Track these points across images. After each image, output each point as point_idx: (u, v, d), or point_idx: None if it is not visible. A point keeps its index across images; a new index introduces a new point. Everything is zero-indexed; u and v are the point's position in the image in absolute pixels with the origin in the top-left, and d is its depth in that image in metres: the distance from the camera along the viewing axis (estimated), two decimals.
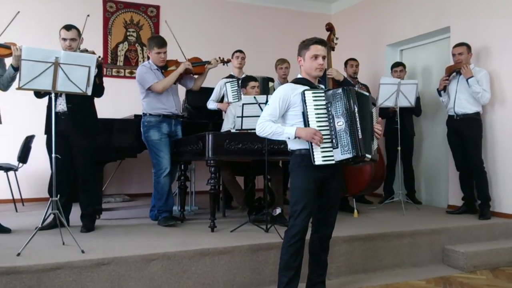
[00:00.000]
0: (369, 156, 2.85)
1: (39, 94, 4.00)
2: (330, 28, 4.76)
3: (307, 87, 2.90)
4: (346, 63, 6.00)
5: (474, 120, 4.94)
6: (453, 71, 5.03)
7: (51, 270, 2.94)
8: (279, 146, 3.96)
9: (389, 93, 5.29)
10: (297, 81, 3.00)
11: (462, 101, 4.95)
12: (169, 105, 4.56)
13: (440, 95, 5.21)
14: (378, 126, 3.02)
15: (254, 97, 4.21)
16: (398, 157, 5.59)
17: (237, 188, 4.82)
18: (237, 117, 4.46)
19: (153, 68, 4.53)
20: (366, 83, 5.91)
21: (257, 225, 4.07)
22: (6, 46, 3.78)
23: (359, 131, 2.79)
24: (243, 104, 4.23)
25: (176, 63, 4.73)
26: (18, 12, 3.80)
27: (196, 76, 4.85)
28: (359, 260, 3.89)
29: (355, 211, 4.95)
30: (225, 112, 5.20)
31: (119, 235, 3.91)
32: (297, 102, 2.87)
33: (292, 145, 2.95)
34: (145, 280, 3.17)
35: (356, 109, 2.81)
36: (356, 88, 2.96)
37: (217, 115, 5.38)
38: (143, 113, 4.55)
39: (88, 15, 4.04)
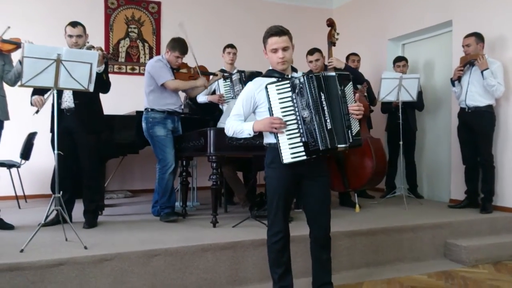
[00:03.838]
0: (342, 145, 2.66)
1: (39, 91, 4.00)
2: (331, 23, 4.75)
3: (273, 80, 2.70)
4: (347, 58, 6.00)
5: (486, 113, 4.85)
6: (468, 62, 4.88)
7: (54, 266, 2.95)
8: None
9: (391, 88, 5.28)
10: (267, 74, 2.82)
11: (473, 94, 4.87)
12: (175, 102, 4.59)
13: (453, 85, 5.12)
14: (355, 106, 2.70)
15: None
16: (400, 152, 5.59)
17: (239, 184, 4.82)
18: None
19: (168, 66, 4.55)
20: (368, 77, 5.88)
21: (259, 221, 4.07)
22: (12, 42, 3.80)
23: (328, 121, 2.63)
24: None
25: (187, 67, 4.77)
26: (8, 27, 3.77)
27: None
28: (361, 254, 3.90)
29: (357, 205, 4.94)
30: (222, 105, 5.21)
31: (122, 231, 3.92)
32: (263, 98, 2.70)
33: (266, 139, 2.81)
34: (148, 275, 3.19)
35: (323, 97, 2.64)
36: (322, 73, 2.70)
37: (218, 111, 5.37)
38: (147, 109, 4.54)
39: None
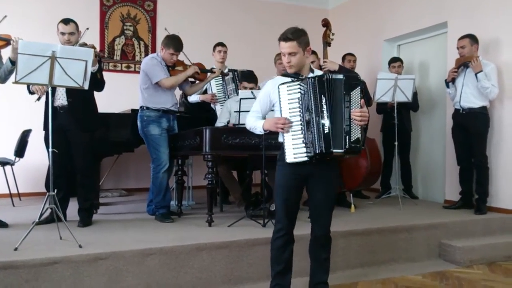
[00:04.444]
0: (338, 151, 2.64)
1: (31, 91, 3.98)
2: (326, 23, 4.75)
3: (288, 80, 2.76)
4: (343, 58, 6.00)
5: (480, 114, 4.87)
6: (462, 63, 4.90)
7: (48, 264, 2.93)
8: (276, 141, 3.93)
9: (386, 88, 5.29)
10: (284, 73, 2.88)
11: (468, 96, 4.88)
12: (170, 101, 4.55)
13: (447, 86, 5.13)
14: (357, 113, 2.63)
15: (252, 92, 4.20)
16: (396, 152, 5.60)
17: (234, 183, 4.81)
18: (234, 111, 4.47)
19: (162, 64, 4.52)
20: (364, 78, 5.87)
21: (254, 220, 4.07)
22: (2, 38, 3.75)
23: (326, 125, 2.63)
24: (240, 99, 4.23)
25: (183, 64, 4.76)
26: (5, 16, 3.76)
27: (197, 82, 4.90)
28: (356, 255, 3.90)
29: (352, 206, 4.95)
30: (214, 104, 5.19)
31: (117, 229, 3.91)
32: (277, 97, 2.77)
33: (279, 137, 2.86)
34: (143, 274, 3.17)
35: (324, 100, 2.64)
36: (328, 75, 2.70)
37: (214, 110, 5.36)
38: (141, 107, 4.51)
39: (87, 28, 4.04)
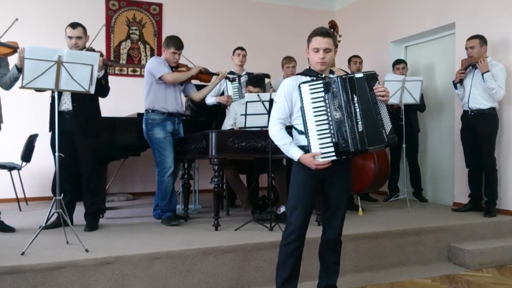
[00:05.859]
0: (373, 147, 2.67)
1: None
2: (333, 25, 4.73)
3: (307, 79, 2.74)
4: (349, 60, 5.97)
5: (489, 116, 4.82)
6: (470, 64, 4.86)
7: (55, 269, 2.93)
8: None
9: (394, 90, 5.24)
10: (304, 72, 2.84)
11: (476, 96, 4.84)
12: (175, 102, 4.55)
13: (455, 87, 5.08)
14: (380, 88, 2.69)
15: (258, 95, 4.18)
16: (403, 155, 5.55)
17: (241, 187, 4.79)
18: (241, 114, 4.44)
19: (166, 64, 4.55)
20: None
21: (261, 224, 4.05)
22: (9, 46, 3.77)
23: (359, 123, 2.64)
24: (246, 102, 4.21)
25: (186, 67, 4.77)
26: (16, 19, 3.77)
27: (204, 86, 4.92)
28: (364, 258, 3.87)
29: (360, 209, 4.92)
30: (228, 107, 5.18)
31: (123, 234, 3.90)
32: (298, 96, 2.72)
33: (296, 142, 2.81)
34: (149, 279, 3.16)
35: (356, 99, 2.65)
36: (354, 74, 2.72)
37: (221, 113, 5.35)
38: (147, 110, 4.51)
39: (104, 25, 4.04)
